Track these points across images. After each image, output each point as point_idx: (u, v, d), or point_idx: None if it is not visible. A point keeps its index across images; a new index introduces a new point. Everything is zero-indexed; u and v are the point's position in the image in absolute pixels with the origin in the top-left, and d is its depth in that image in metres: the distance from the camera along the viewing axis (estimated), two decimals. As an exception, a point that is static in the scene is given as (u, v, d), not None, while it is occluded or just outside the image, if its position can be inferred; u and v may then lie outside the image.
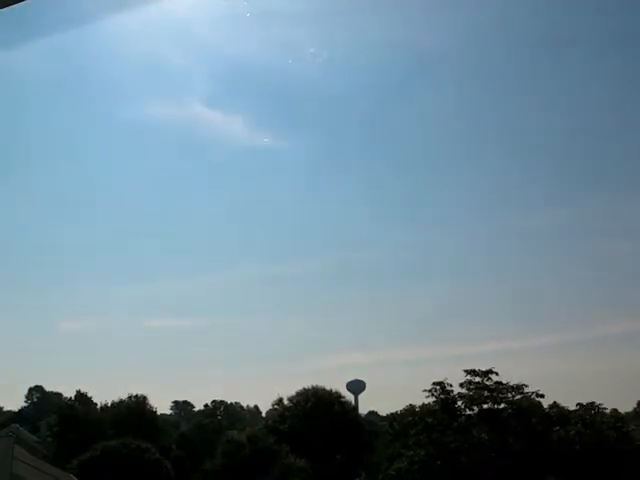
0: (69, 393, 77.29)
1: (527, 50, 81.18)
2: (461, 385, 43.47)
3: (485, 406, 42.95)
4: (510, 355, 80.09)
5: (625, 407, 70.37)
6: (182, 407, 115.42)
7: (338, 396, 66.56)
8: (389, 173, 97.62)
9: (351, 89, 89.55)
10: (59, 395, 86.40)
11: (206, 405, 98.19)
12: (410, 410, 48.66)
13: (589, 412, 42.22)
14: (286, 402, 66.65)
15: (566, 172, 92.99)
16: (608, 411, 44.06)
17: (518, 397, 42.73)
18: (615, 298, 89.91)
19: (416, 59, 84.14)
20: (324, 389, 65.89)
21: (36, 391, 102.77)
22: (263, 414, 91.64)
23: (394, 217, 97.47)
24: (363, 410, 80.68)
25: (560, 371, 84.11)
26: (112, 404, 67.93)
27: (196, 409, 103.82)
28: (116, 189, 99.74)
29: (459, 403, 43.73)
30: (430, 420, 43.40)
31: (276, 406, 68.16)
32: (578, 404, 43.36)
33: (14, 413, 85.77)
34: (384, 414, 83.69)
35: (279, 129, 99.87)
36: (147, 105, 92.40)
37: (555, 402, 46.11)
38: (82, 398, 73.39)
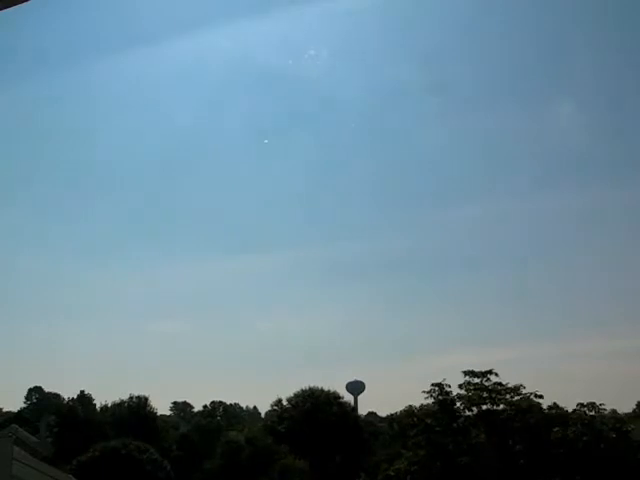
0: (68, 394, 77.36)
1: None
2: (460, 386, 43.51)
3: (484, 407, 42.95)
4: (512, 356, 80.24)
5: (625, 408, 70.52)
6: (182, 408, 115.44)
7: (337, 397, 66.61)
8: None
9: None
10: (58, 396, 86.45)
11: (205, 406, 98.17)
12: (409, 411, 48.56)
13: (589, 413, 42.18)
14: (285, 403, 66.72)
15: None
16: (607, 412, 44.05)
17: (517, 398, 42.71)
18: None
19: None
20: (323, 390, 65.95)
21: (35, 392, 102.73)
22: (262, 415, 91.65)
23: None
24: (362, 411, 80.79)
25: (561, 372, 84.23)
26: (112, 405, 68.01)
27: (195, 410, 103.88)
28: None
29: (458, 404, 43.74)
30: (429, 421, 43.40)
31: (275, 407, 68.21)
32: (578, 404, 43.29)
33: (13, 414, 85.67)
34: (383, 415, 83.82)
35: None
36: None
37: (555, 403, 46.10)
38: (83, 399, 73.38)
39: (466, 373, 43.66)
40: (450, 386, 43.84)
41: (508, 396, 42.70)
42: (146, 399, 67.31)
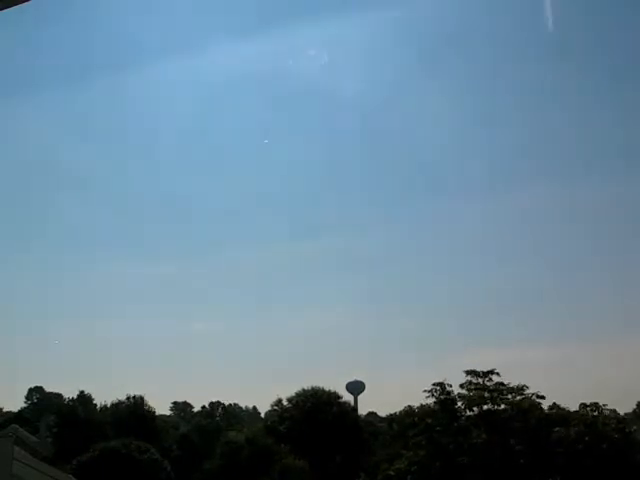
0: (69, 394, 77.23)
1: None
2: (461, 386, 43.51)
3: (485, 407, 42.95)
4: (513, 358, 79.94)
5: (625, 408, 70.54)
6: (182, 408, 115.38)
7: (337, 397, 66.56)
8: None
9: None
10: (59, 396, 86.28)
11: (204, 406, 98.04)
12: (409, 411, 48.59)
13: (591, 413, 42.20)
14: (285, 403, 66.65)
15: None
16: (608, 412, 44.06)
17: (519, 398, 42.72)
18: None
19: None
20: (323, 390, 65.86)
21: (36, 392, 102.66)
22: (262, 415, 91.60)
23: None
24: (362, 411, 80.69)
25: (563, 372, 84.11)
26: (111, 405, 67.90)
27: (195, 410, 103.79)
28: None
29: (459, 404, 43.76)
30: (429, 421, 43.41)
31: (275, 407, 68.13)
32: (581, 404, 43.34)
33: (13, 414, 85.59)
34: (383, 415, 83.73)
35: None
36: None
37: (555, 403, 46.14)
38: (83, 399, 73.24)
39: (468, 373, 43.73)
40: (451, 386, 43.90)
41: (510, 396, 42.72)
42: (142, 398, 67.11)
